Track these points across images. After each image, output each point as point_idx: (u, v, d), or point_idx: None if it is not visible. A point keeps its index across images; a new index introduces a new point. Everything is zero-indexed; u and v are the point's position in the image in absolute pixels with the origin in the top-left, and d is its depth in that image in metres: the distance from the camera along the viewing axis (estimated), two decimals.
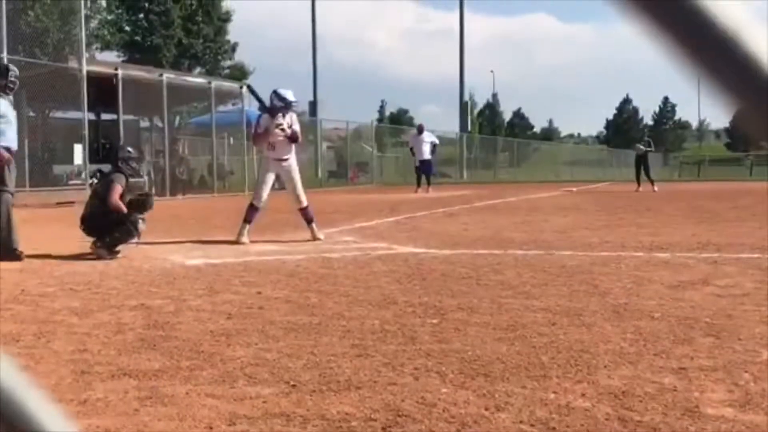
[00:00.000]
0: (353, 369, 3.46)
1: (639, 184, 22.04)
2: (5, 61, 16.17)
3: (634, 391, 3.08)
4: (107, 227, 7.59)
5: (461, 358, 3.62)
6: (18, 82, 8.11)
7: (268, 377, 3.36)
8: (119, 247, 7.65)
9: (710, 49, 0.41)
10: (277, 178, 9.53)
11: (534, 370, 3.41)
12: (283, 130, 9.14)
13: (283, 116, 9.20)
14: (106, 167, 8.40)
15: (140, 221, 7.74)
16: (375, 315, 4.68)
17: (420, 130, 25.21)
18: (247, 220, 9.08)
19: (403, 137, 49.92)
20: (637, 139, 24.06)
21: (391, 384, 3.23)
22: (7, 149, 7.67)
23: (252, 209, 9.14)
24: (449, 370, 3.41)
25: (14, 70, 8.06)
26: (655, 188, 21.42)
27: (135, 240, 7.77)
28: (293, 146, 9.40)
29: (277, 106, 9.23)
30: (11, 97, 8.06)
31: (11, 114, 7.89)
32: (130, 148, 8.41)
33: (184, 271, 6.73)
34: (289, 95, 9.32)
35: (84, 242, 7.83)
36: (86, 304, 5.16)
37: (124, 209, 7.72)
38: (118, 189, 7.73)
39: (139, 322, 4.57)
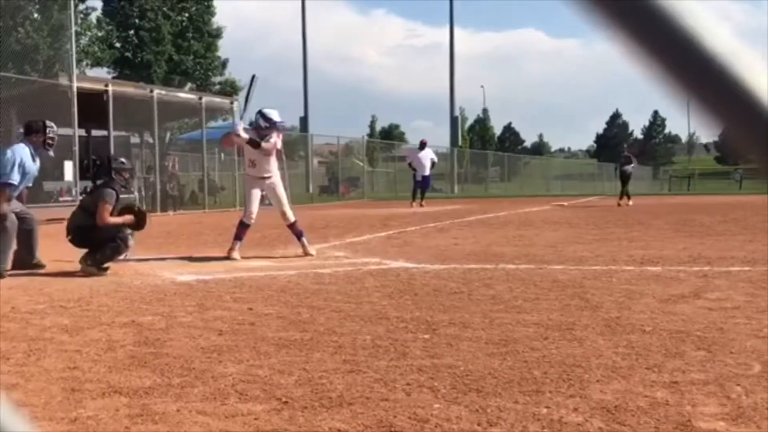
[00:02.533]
0: (345, 385, 3.45)
1: (625, 197, 22.16)
2: None
3: (627, 405, 3.08)
4: (96, 242, 7.55)
5: (453, 373, 3.62)
6: (56, 138, 8.39)
7: (260, 394, 3.34)
8: (108, 263, 7.61)
9: (698, 71, 0.41)
10: (263, 194, 9.43)
11: (526, 384, 3.41)
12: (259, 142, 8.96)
13: (266, 135, 9.06)
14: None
15: (129, 237, 7.72)
16: (367, 330, 4.67)
17: (422, 146, 25.23)
18: (238, 237, 9.05)
19: (394, 152, 50.02)
20: (619, 155, 24.21)
21: (383, 400, 3.22)
22: (7, 184, 7.75)
23: (242, 226, 9.09)
24: (441, 386, 3.41)
25: (52, 126, 8.26)
26: (630, 202, 21.56)
27: (124, 256, 7.74)
28: (274, 163, 9.33)
29: (262, 126, 9.16)
30: (51, 153, 8.39)
31: (32, 167, 8.07)
32: (123, 159, 8.39)
33: (174, 287, 6.71)
34: (275, 115, 9.19)
35: (74, 259, 7.79)
36: (76, 322, 5.13)
37: (115, 222, 7.64)
38: (107, 208, 7.68)
39: (129, 339, 4.55)
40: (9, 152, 7.92)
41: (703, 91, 0.42)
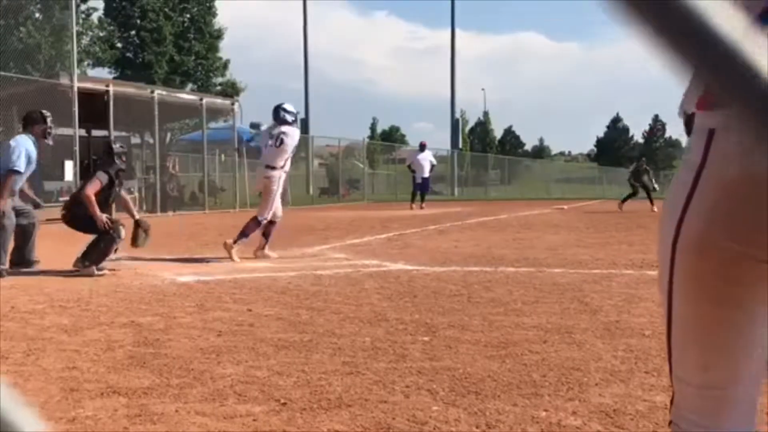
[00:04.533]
0: (344, 387, 3.45)
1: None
2: None
3: (626, 409, 3.08)
4: (84, 223, 7.56)
5: (452, 375, 3.62)
6: (53, 128, 8.47)
7: (259, 395, 3.34)
8: (105, 262, 7.59)
9: (710, 58, 0.42)
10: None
11: (525, 387, 3.41)
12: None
13: (280, 134, 9.26)
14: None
15: (120, 227, 7.72)
16: (366, 332, 4.68)
17: (422, 147, 25.21)
18: (264, 234, 9.21)
19: (395, 154, 49.99)
20: (632, 162, 23.92)
21: (382, 402, 3.22)
22: (14, 171, 7.78)
23: (270, 224, 9.25)
24: (440, 388, 3.41)
25: (50, 116, 8.38)
26: (621, 208, 21.40)
27: (116, 255, 7.76)
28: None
29: (289, 120, 9.42)
30: (50, 142, 8.47)
31: (34, 157, 8.13)
32: (121, 144, 8.56)
33: (174, 288, 6.71)
34: (293, 107, 9.62)
35: (74, 258, 7.78)
36: (76, 321, 5.13)
37: (94, 205, 7.62)
38: (97, 184, 7.73)
39: (129, 339, 4.55)
40: (13, 142, 8.01)
41: (715, 74, 0.42)
